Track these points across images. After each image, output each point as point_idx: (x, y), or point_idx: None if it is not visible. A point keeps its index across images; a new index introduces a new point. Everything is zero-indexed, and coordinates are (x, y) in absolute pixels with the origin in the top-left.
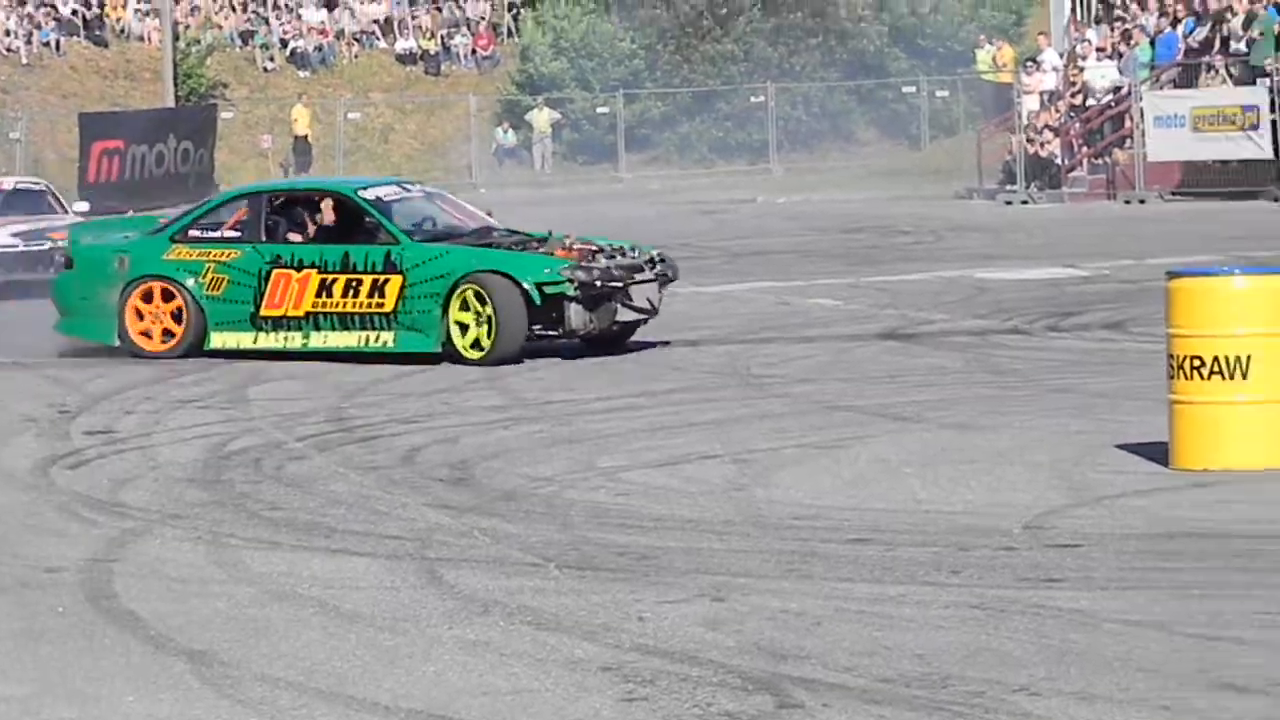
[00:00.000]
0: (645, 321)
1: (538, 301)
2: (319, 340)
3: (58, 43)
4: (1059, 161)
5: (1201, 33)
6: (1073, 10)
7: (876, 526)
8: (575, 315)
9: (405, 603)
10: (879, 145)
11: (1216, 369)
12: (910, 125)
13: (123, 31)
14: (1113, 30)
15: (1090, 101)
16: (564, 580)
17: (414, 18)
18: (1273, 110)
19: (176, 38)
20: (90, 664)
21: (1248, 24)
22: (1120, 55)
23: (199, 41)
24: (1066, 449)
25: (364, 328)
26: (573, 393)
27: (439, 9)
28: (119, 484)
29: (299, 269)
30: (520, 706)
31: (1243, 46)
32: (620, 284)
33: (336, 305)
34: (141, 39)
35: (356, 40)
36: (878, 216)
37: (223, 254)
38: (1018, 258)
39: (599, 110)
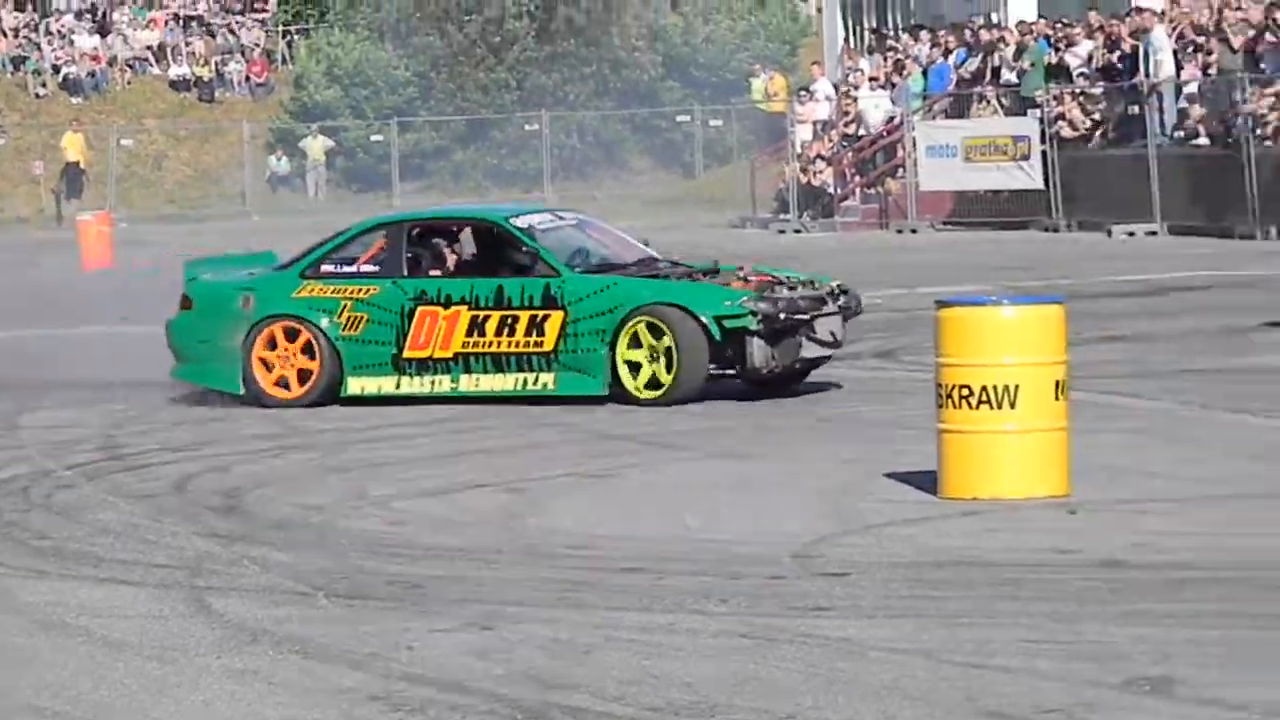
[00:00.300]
0: (829, 358)
1: (718, 337)
2: (469, 384)
3: None
4: (832, 191)
5: (973, 63)
6: (845, 40)
7: (647, 555)
8: (758, 351)
9: (174, 632)
10: (653, 174)
11: (985, 398)
12: (684, 154)
13: None
14: (885, 60)
15: (863, 131)
16: (333, 609)
17: (188, 44)
18: (1043, 141)
19: None
20: None
21: (1019, 55)
22: (893, 85)
23: None
24: (837, 477)
25: (521, 369)
26: (345, 421)
27: (212, 35)
28: None
29: (446, 306)
30: None
31: (1014, 77)
32: (806, 316)
33: (489, 345)
34: None
35: (130, 67)
36: (652, 245)
37: (360, 290)
38: None
39: (373, 138)
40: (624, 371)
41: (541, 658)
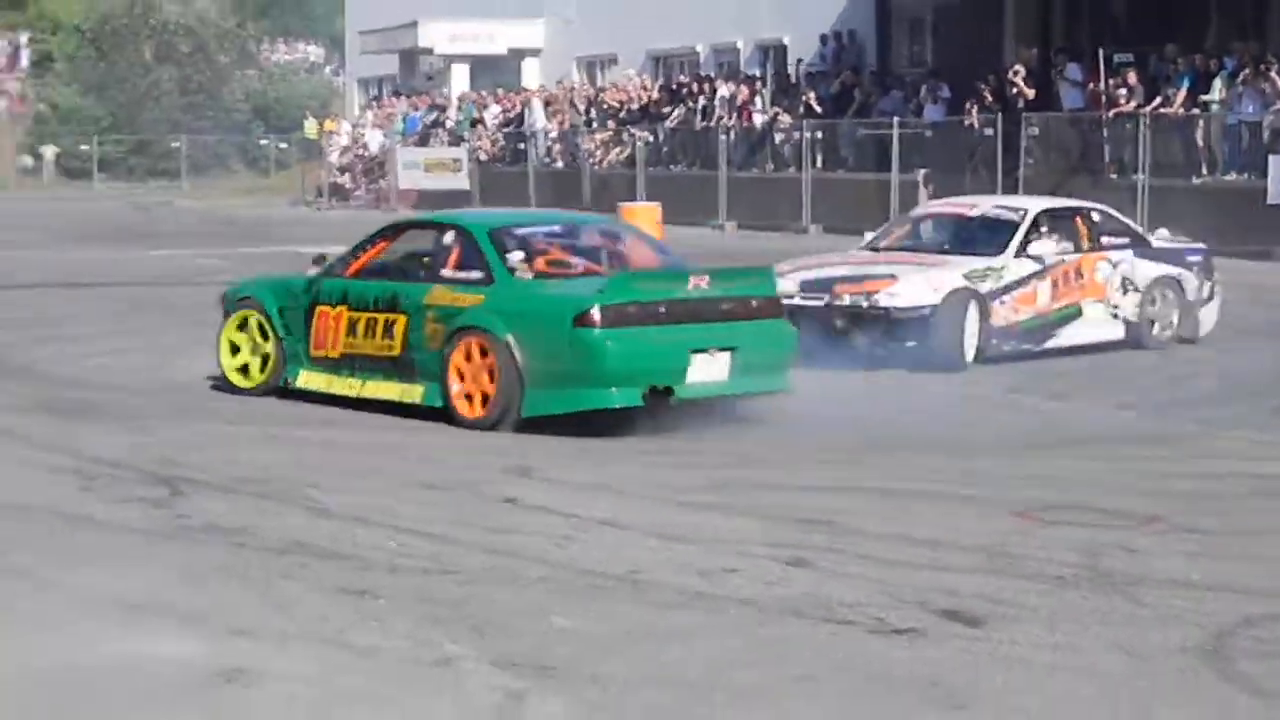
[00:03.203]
0: None
1: None
2: None
3: None
4: (348, 186)
5: (431, 116)
6: (362, 102)
7: None
8: None
9: None
10: (245, 174)
11: None
12: (261, 163)
13: None
14: (381, 112)
15: (367, 152)
16: (44, 418)
17: None
18: (469, 160)
19: None
20: None
21: (457, 111)
22: (385, 126)
23: None
24: None
25: None
26: None
27: None
28: None
29: None
30: (12, 488)
31: (453, 123)
32: None
33: None
34: None
35: None
36: (233, 217)
37: None
38: (320, 240)
39: (81, 147)
40: None
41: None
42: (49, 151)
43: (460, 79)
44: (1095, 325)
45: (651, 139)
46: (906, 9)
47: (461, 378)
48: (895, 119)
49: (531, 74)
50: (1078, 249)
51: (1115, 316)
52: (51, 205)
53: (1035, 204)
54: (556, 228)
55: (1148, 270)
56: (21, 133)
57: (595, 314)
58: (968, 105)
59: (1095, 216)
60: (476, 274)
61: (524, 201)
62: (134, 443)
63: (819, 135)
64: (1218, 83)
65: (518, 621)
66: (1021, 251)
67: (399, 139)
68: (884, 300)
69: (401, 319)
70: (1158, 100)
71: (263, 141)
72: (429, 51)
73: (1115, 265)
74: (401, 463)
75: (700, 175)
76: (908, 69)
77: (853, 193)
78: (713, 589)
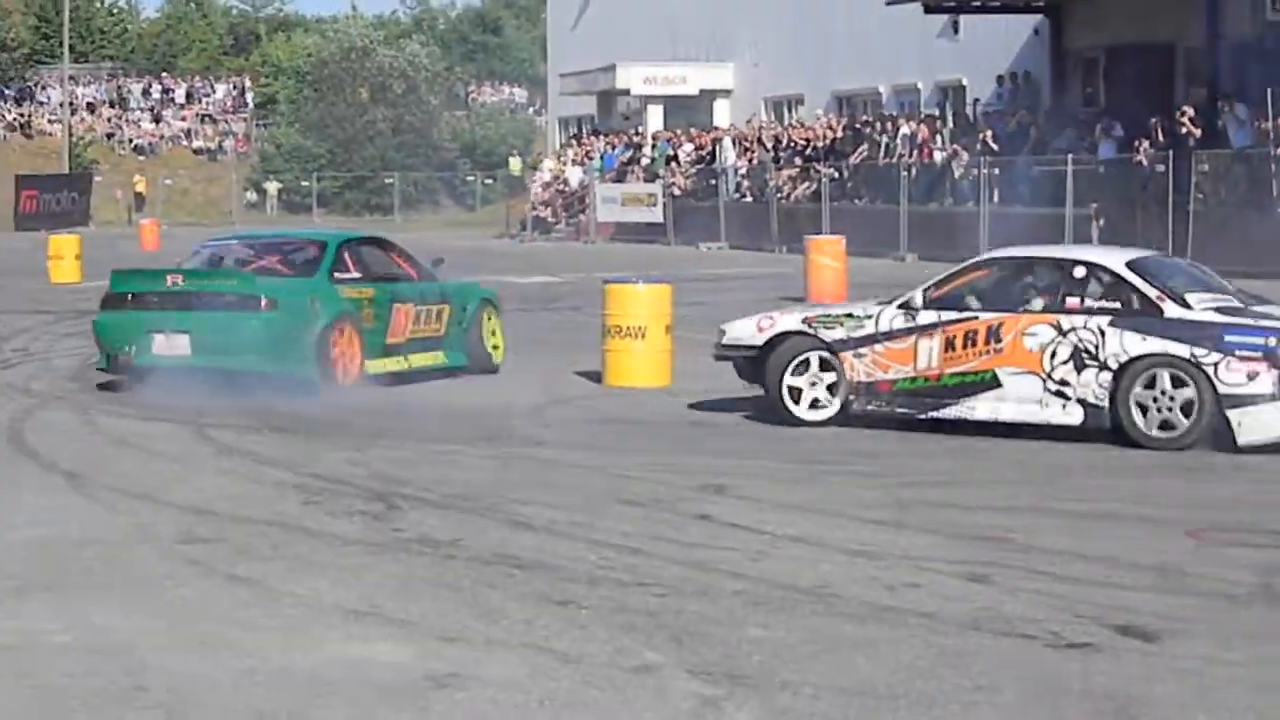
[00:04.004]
0: None
1: None
2: None
3: (4, 135)
4: (550, 220)
5: (628, 154)
6: (561, 140)
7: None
8: None
9: (187, 445)
10: (452, 208)
11: (629, 333)
12: (468, 199)
13: (41, 131)
14: (581, 150)
15: (568, 188)
16: (269, 436)
17: (204, 129)
18: (662, 196)
19: (71, 134)
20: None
21: (652, 149)
22: (584, 163)
23: (84, 137)
24: (546, 373)
25: None
26: None
27: (215, 123)
28: (29, 378)
29: None
30: (241, 502)
31: (648, 160)
32: None
33: None
34: (52, 135)
35: (171, 140)
36: (447, 247)
37: None
38: (528, 270)
39: (302, 183)
40: None
41: (387, 467)
42: (272, 187)
43: (655, 118)
44: (1023, 403)
45: (836, 175)
46: (1080, 51)
47: None
48: (1069, 156)
49: (722, 114)
50: (1047, 309)
51: (1064, 396)
52: None
53: (1010, 252)
54: (233, 242)
55: (1133, 345)
56: (247, 169)
57: (104, 300)
58: (1138, 143)
59: (1077, 272)
60: None
61: (715, 235)
62: (351, 459)
63: (996, 171)
64: None
65: (712, 631)
66: (908, 302)
67: (597, 175)
68: (719, 336)
69: None
70: None
71: (469, 178)
72: (625, 93)
73: (1065, 332)
74: (599, 480)
75: (882, 209)
76: (1081, 108)
77: (1028, 226)
78: (897, 602)
